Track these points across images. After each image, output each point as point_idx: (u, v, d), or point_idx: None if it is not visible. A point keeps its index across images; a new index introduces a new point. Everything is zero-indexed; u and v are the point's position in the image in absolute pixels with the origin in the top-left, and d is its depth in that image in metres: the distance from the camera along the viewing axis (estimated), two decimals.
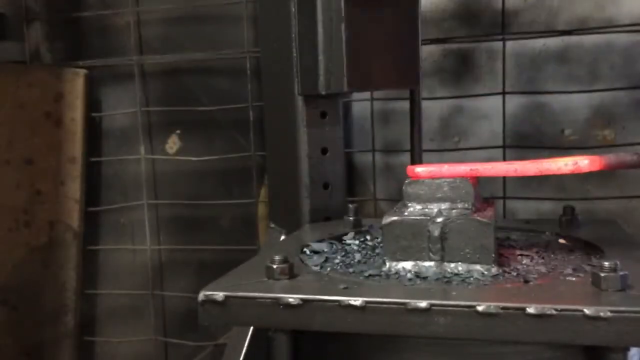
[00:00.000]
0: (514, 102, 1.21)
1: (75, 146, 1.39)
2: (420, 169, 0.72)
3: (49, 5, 1.42)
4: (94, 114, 1.42)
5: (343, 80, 0.92)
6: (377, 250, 0.78)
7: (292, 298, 0.59)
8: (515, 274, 0.67)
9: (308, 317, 0.59)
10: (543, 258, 0.73)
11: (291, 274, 0.65)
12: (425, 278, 0.66)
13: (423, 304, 0.56)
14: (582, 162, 0.66)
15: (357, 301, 0.58)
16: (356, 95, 1.28)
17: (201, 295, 0.62)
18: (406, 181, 0.72)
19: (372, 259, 0.75)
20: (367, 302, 0.58)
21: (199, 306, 0.62)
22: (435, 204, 0.70)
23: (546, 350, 0.59)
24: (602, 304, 0.53)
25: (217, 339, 1.35)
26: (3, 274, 1.37)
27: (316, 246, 0.81)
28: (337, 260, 0.75)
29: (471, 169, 0.70)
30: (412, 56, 1.01)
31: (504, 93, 1.20)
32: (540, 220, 0.97)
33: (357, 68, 0.93)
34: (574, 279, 0.64)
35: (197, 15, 1.36)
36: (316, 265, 0.73)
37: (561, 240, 0.81)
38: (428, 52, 1.23)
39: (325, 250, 0.79)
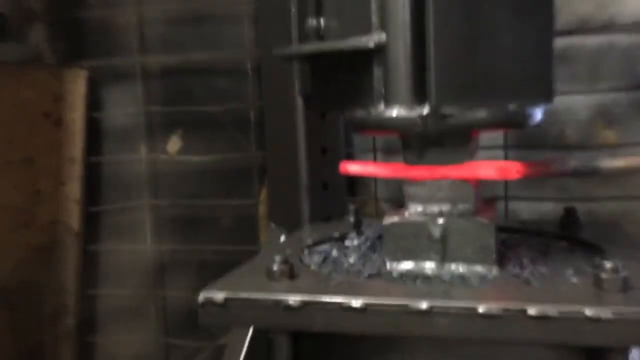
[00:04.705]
0: None
1: (76, 146, 1.39)
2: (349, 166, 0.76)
3: (50, 5, 1.42)
4: (94, 114, 1.42)
5: None
6: (377, 251, 0.78)
7: (293, 299, 0.59)
8: (516, 274, 0.66)
9: (308, 318, 0.59)
10: (544, 259, 0.73)
11: (291, 274, 0.65)
12: (425, 279, 0.66)
13: (424, 305, 0.56)
14: (508, 168, 0.67)
15: (357, 302, 0.58)
16: None
17: (201, 296, 0.62)
18: (407, 182, 0.72)
19: (372, 260, 0.75)
20: (367, 303, 0.58)
21: (199, 307, 0.62)
22: (436, 205, 0.70)
23: (547, 351, 0.59)
24: (603, 305, 0.53)
25: (218, 340, 1.34)
26: (3, 274, 1.37)
27: (316, 247, 0.81)
28: (337, 261, 0.75)
29: (395, 170, 0.72)
30: None
31: None
32: (542, 221, 0.97)
33: None
34: (575, 280, 0.64)
35: (198, 15, 1.36)
36: (316, 266, 0.73)
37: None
38: None
39: (326, 250, 0.79)
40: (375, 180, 1.29)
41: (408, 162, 0.71)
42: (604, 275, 0.57)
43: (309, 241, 0.83)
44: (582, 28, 1.16)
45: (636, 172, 0.67)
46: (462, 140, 0.68)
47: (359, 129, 0.73)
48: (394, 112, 0.65)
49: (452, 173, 0.69)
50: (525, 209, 1.22)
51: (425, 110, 0.64)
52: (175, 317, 1.44)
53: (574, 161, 0.69)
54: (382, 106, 0.66)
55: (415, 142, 0.70)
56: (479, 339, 0.57)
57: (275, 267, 0.65)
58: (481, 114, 0.64)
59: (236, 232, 1.39)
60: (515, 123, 0.69)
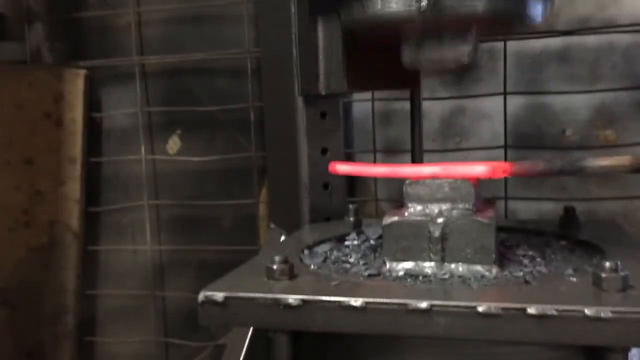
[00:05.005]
0: (515, 103, 1.20)
1: (75, 146, 1.39)
2: (339, 166, 0.78)
3: (50, 5, 1.42)
4: (94, 114, 1.42)
5: (343, 81, 0.92)
6: (377, 251, 0.78)
7: (292, 299, 0.59)
8: (516, 274, 0.66)
9: (308, 317, 0.59)
10: (544, 258, 0.73)
11: (291, 274, 0.65)
12: (425, 278, 0.66)
13: (423, 304, 0.56)
14: (495, 167, 0.68)
15: (357, 302, 0.58)
16: (357, 96, 1.28)
17: (201, 296, 0.62)
18: (406, 182, 0.72)
19: (372, 260, 0.75)
20: (367, 302, 0.58)
21: (199, 307, 0.62)
22: (436, 205, 0.70)
23: (546, 350, 0.59)
24: (603, 305, 0.53)
25: (218, 340, 1.35)
26: (3, 274, 1.37)
27: (316, 247, 0.81)
28: (337, 261, 0.75)
29: (390, 170, 0.73)
30: None
31: (505, 93, 1.20)
32: (541, 221, 0.97)
33: (357, 68, 0.93)
34: (574, 279, 0.64)
35: (198, 15, 1.36)
36: (316, 266, 0.73)
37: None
38: None
39: (326, 250, 0.79)
40: (375, 180, 1.29)
41: (407, 59, 0.69)
42: (603, 275, 0.57)
43: (309, 241, 0.83)
44: (582, 28, 1.16)
45: (621, 171, 0.67)
46: (462, 34, 0.67)
47: (358, 28, 0.71)
48: (392, 5, 0.64)
49: (441, 173, 0.69)
50: (525, 209, 1.22)
51: (423, 2, 0.63)
52: (175, 317, 1.44)
53: (560, 161, 0.69)
54: (379, 2, 0.65)
55: (413, 37, 0.68)
56: (478, 338, 0.57)
57: (275, 267, 0.64)
58: (480, 3, 0.63)
59: (236, 232, 1.39)
60: (515, 14, 0.67)
